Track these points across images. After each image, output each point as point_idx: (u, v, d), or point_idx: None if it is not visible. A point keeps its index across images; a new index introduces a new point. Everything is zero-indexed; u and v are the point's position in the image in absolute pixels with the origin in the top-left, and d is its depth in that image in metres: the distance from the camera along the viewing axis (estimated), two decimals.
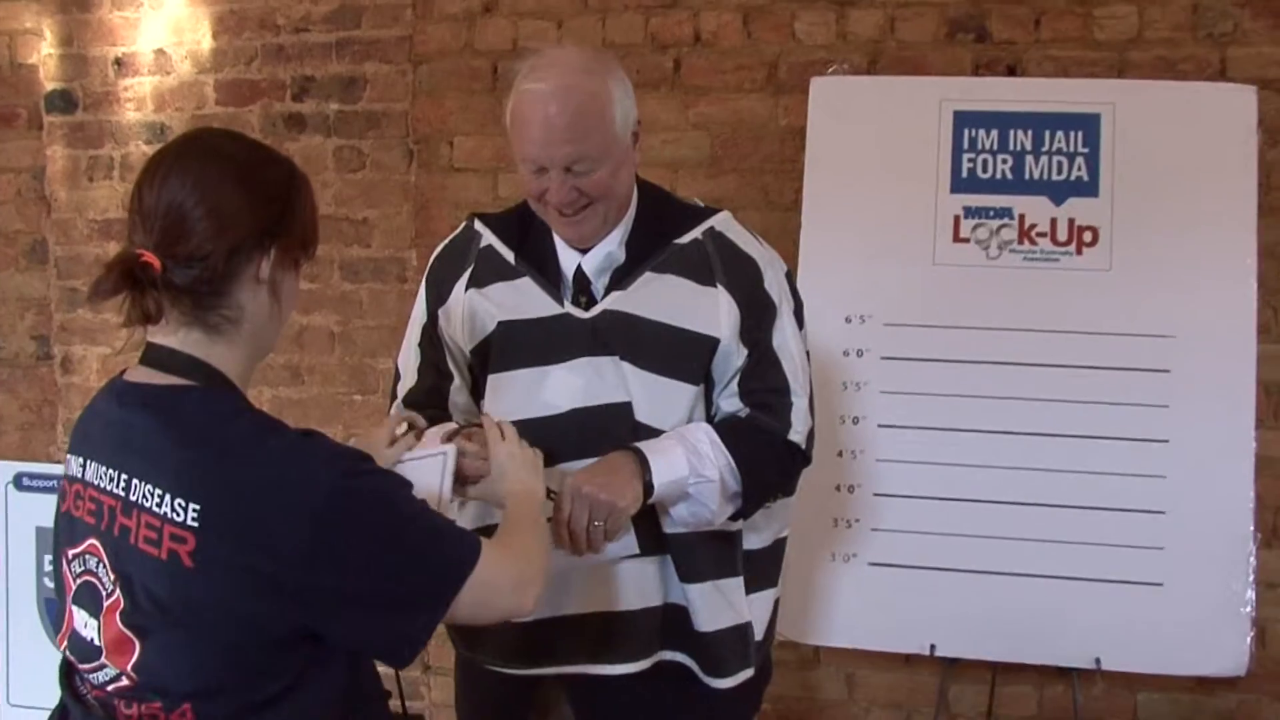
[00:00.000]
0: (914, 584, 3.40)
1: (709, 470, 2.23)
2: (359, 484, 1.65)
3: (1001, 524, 3.35)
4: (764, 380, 2.35)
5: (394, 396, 2.51)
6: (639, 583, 2.32)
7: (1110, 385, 3.33)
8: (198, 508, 1.61)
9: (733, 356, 2.33)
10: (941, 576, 3.38)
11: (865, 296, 3.47)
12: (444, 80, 4.17)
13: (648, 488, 2.19)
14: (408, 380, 2.48)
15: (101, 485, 1.72)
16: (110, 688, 1.72)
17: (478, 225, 2.48)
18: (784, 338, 2.37)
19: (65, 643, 1.78)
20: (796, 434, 2.36)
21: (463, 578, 1.72)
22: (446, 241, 2.53)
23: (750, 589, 2.42)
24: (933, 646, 3.40)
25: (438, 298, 2.45)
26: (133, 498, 1.67)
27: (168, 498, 1.63)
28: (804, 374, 2.39)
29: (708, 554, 2.34)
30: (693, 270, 2.35)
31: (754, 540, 2.44)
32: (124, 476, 1.69)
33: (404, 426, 2.23)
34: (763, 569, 2.47)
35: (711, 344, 2.31)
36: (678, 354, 2.31)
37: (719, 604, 2.35)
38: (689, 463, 2.22)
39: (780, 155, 3.91)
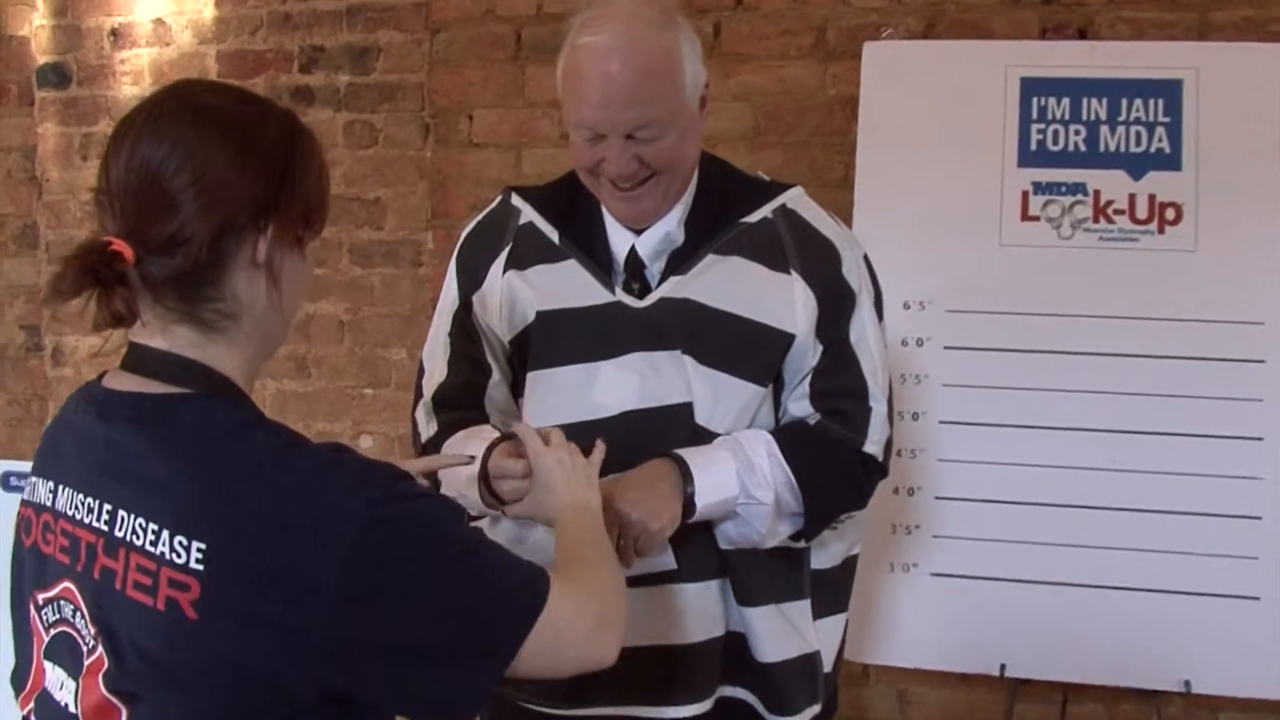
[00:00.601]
0: (981, 596, 3.22)
1: (762, 490, 2.04)
2: (401, 510, 1.37)
3: (1076, 531, 3.17)
4: (839, 381, 2.15)
5: (419, 395, 2.28)
6: (700, 610, 2.10)
7: (1197, 377, 3.16)
8: (203, 546, 1.32)
9: (807, 354, 2.13)
10: (1011, 588, 3.21)
11: (925, 281, 3.30)
12: (463, 49, 4.03)
13: (688, 505, 2.00)
14: (436, 375, 2.25)
15: (78, 517, 1.44)
16: None
17: (515, 200, 2.28)
18: (862, 332, 2.17)
19: (31, 704, 1.50)
20: (873, 444, 2.15)
21: (530, 621, 1.44)
22: (479, 217, 2.32)
23: (818, 613, 2.23)
24: (1003, 666, 3.20)
25: (471, 281, 2.24)
26: (119, 534, 1.38)
27: (165, 534, 1.34)
28: (883, 374, 2.18)
29: (770, 573, 2.14)
30: (764, 253, 2.14)
31: (822, 559, 2.24)
32: (107, 507, 1.40)
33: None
34: (831, 591, 2.28)
35: (786, 340, 2.11)
36: (747, 349, 2.11)
37: (783, 630, 2.15)
38: (740, 480, 2.03)
39: (829, 127, 3.73)
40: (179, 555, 1.33)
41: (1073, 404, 3.18)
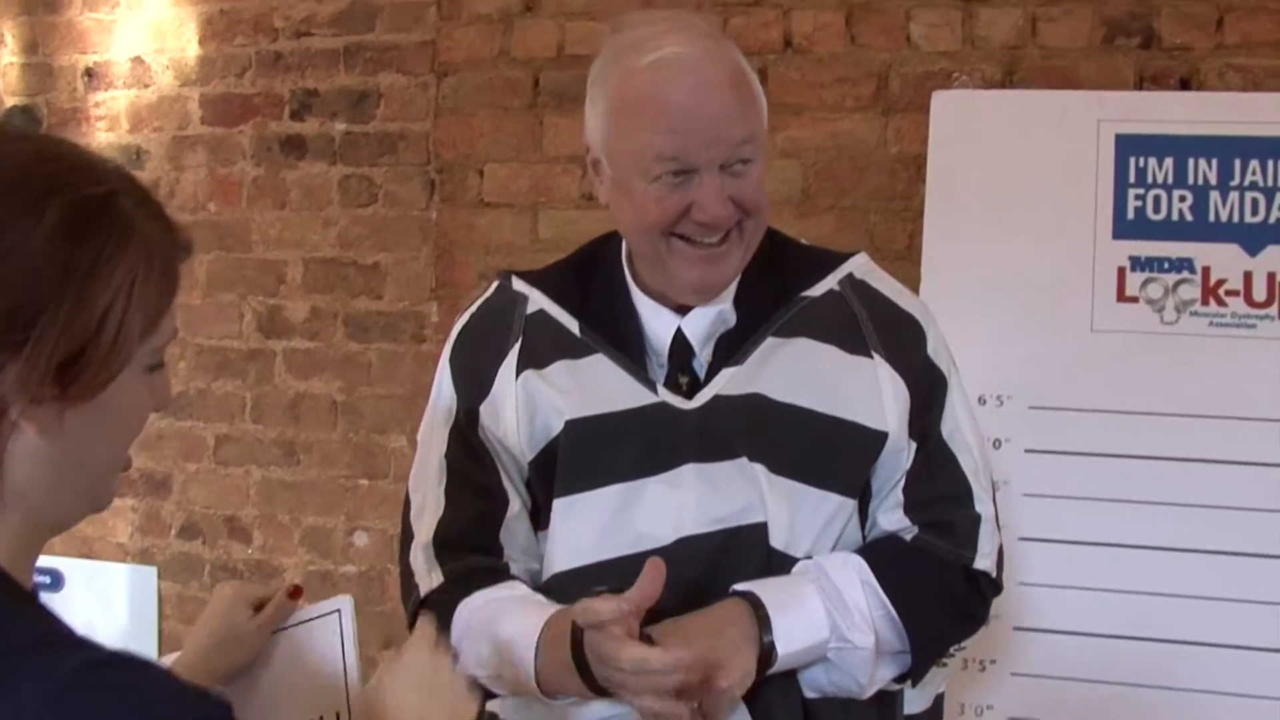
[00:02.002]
0: None
1: (859, 633, 1.81)
2: None
3: (1185, 670, 2.85)
4: (937, 486, 1.92)
5: (408, 535, 1.97)
6: None
7: None
8: None
9: (901, 454, 1.90)
10: None
11: (1004, 372, 3.03)
12: (473, 95, 3.89)
13: (765, 653, 1.75)
14: (431, 510, 1.95)
15: None
16: None
17: (518, 284, 2.02)
18: (957, 423, 1.96)
19: None
20: (984, 558, 1.93)
21: None
22: (473, 309, 2.06)
23: None
24: None
25: (475, 388, 1.96)
26: None
27: None
28: (985, 471, 1.98)
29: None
30: (836, 333, 1.92)
31: (915, 702, 2.03)
32: None
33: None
34: None
35: (878, 439, 1.88)
36: (830, 453, 1.88)
37: None
38: (830, 620, 1.80)
39: (891, 190, 3.54)
40: None
41: (1175, 520, 2.90)
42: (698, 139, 1.77)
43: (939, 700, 2.12)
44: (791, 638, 1.77)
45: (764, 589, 1.79)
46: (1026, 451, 2.98)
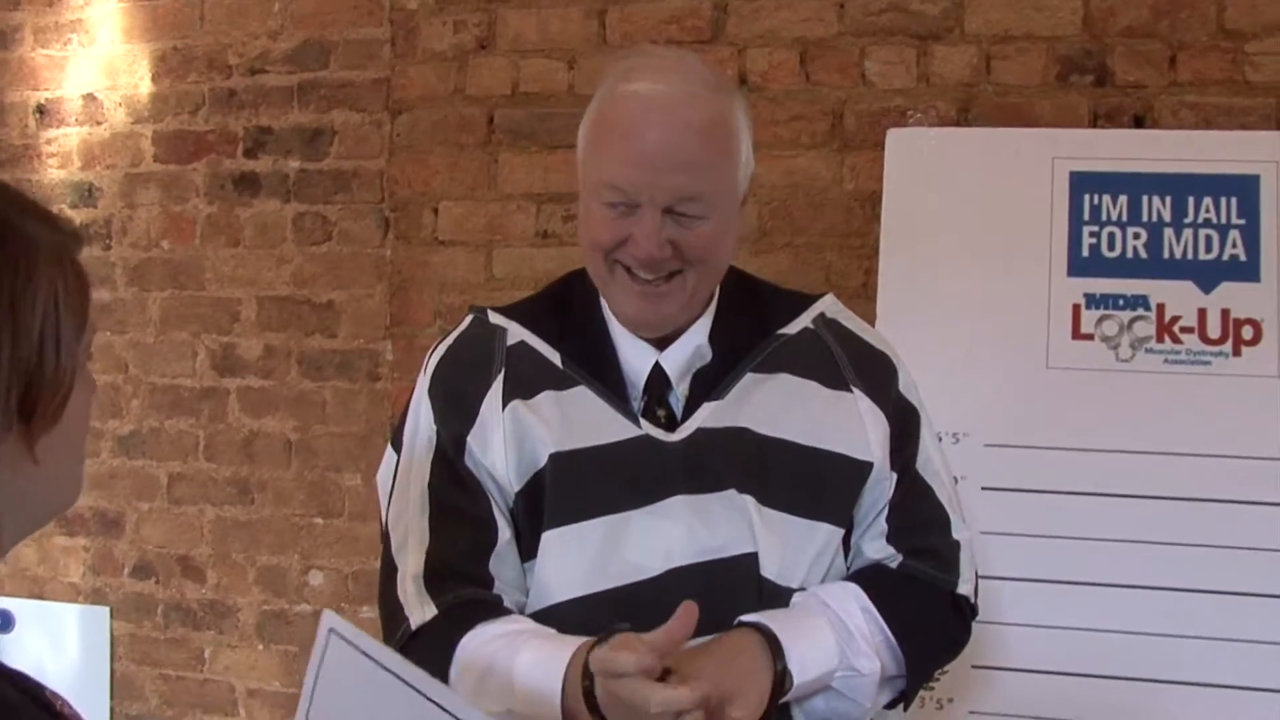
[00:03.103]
0: None
1: (864, 659, 1.82)
2: None
3: (1143, 706, 2.84)
4: (918, 514, 1.97)
5: (391, 569, 1.91)
6: None
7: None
8: None
9: (883, 484, 1.94)
10: None
11: (959, 409, 2.98)
12: (428, 132, 3.87)
13: (778, 682, 1.74)
14: (415, 542, 1.89)
15: None
16: None
17: (494, 318, 2.01)
18: (928, 455, 2.01)
19: None
20: (966, 584, 1.97)
21: None
22: (450, 340, 2.04)
23: None
24: None
25: (460, 416, 1.93)
26: None
27: None
28: (958, 500, 2.03)
29: None
30: (815, 369, 1.96)
31: None
32: None
33: None
34: None
35: (864, 469, 1.91)
36: (818, 484, 1.90)
37: None
38: (839, 649, 1.81)
39: (847, 228, 3.54)
40: None
41: (1131, 557, 2.88)
42: (643, 176, 1.78)
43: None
44: (805, 667, 1.77)
45: (773, 619, 1.79)
46: (983, 489, 2.96)
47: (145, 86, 4.09)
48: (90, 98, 4.16)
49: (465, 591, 1.85)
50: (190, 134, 4.04)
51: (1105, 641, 2.87)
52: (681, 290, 1.86)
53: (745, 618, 1.79)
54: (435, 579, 1.87)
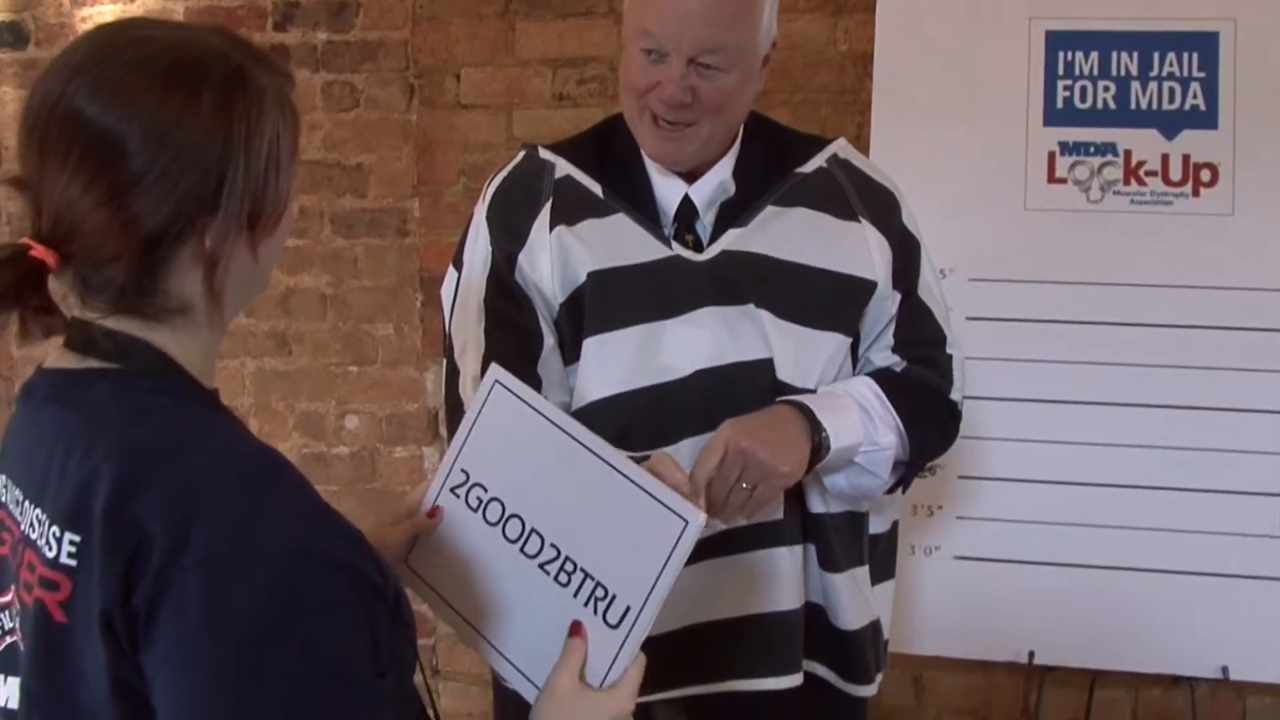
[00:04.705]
0: (1006, 580, 3.08)
1: (884, 435, 2.00)
2: (307, 586, 1.14)
3: (1105, 510, 3.03)
4: (919, 330, 2.14)
5: (454, 370, 2.09)
6: (792, 576, 2.04)
7: (1234, 349, 3.01)
8: (76, 539, 1.15)
9: (887, 302, 2.10)
10: (1038, 571, 3.07)
11: (946, 248, 3.00)
12: (449, 3, 3.84)
13: (815, 452, 1.92)
14: (473, 348, 2.07)
15: (12, 512, 1.27)
16: None
17: (544, 154, 2.15)
18: (927, 280, 2.18)
19: None
20: (957, 391, 2.16)
21: None
22: (505, 173, 2.18)
23: (874, 579, 2.19)
24: (1031, 654, 3.05)
25: (513, 238, 2.08)
26: (24, 527, 1.22)
27: (48, 525, 1.18)
28: (949, 324, 2.20)
29: (843, 539, 2.10)
30: (827, 203, 2.10)
31: (877, 523, 2.20)
32: (20, 497, 1.24)
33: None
34: (884, 557, 2.24)
35: (867, 288, 2.07)
36: (828, 300, 2.06)
37: (858, 597, 2.11)
38: (864, 426, 1.99)
39: (840, 85, 3.60)
40: (51, 548, 1.18)
41: (1103, 378, 3.06)
42: (671, 27, 1.91)
43: (895, 525, 2.27)
44: (838, 435, 1.93)
45: (808, 399, 1.96)
46: (968, 319, 3.03)
47: None
48: None
49: None
50: (220, 9, 3.95)
51: (1076, 453, 3.02)
52: (697, 136, 2.00)
53: (783, 399, 1.96)
54: None
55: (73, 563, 1.15)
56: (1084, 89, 3.15)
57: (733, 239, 2.05)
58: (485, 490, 1.60)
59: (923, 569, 3.11)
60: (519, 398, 1.61)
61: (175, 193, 1.19)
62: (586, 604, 1.48)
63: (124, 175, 1.18)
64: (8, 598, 1.28)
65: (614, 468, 1.50)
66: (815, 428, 1.92)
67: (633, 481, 1.48)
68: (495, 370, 1.66)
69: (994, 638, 3.10)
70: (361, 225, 3.97)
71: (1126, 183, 3.11)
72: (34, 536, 1.21)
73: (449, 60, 3.85)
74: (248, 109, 1.23)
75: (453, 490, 1.63)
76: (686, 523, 1.44)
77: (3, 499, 1.30)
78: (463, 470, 1.63)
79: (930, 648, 3.17)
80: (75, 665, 1.17)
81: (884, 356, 2.12)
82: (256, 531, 1.12)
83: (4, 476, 1.30)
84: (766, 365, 2.00)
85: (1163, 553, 3.00)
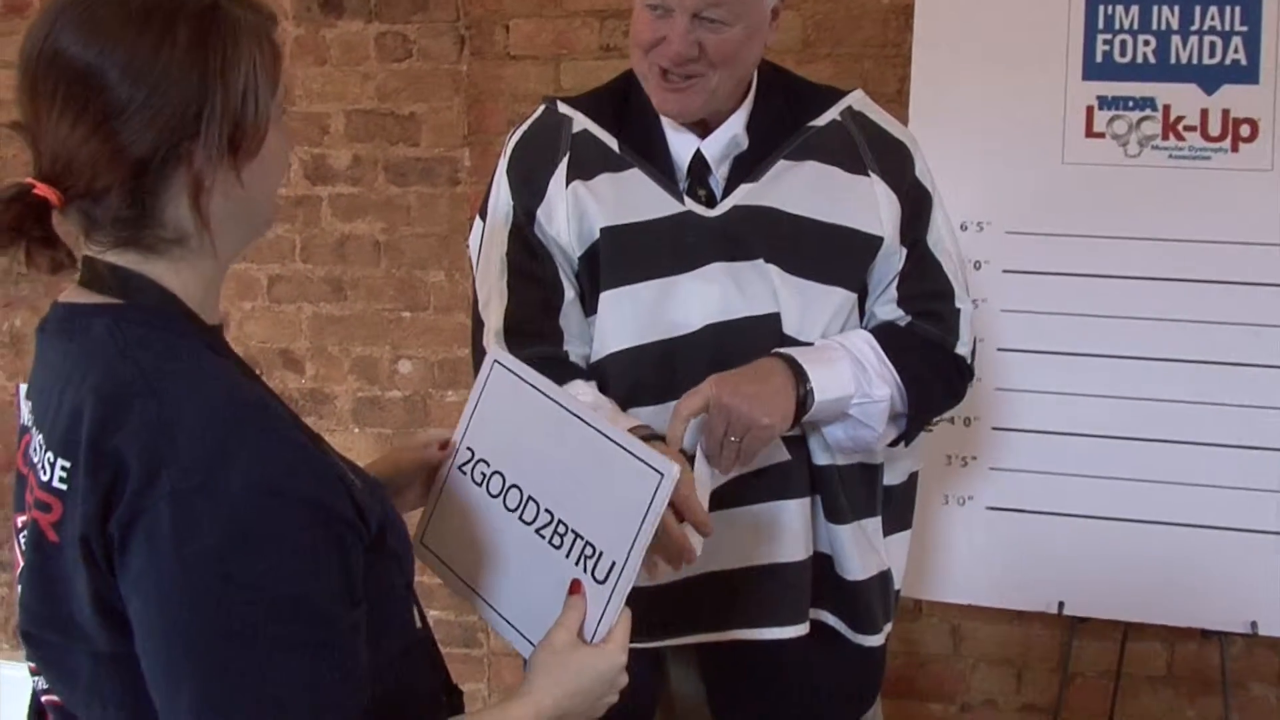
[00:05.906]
0: (1039, 531, 3.07)
1: (877, 388, 2.02)
2: (274, 530, 1.21)
3: (1141, 464, 3.02)
4: (925, 284, 2.15)
5: (479, 323, 2.14)
6: (799, 527, 2.07)
7: (1273, 304, 2.97)
8: (66, 465, 1.23)
9: (893, 257, 2.12)
10: (1071, 523, 3.05)
11: (983, 201, 3.13)
12: None
13: (801, 404, 1.94)
14: (496, 300, 2.12)
15: (34, 436, 1.37)
16: (44, 699, 1.39)
17: (563, 108, 2.17)
18: (939, 234, 2.18)
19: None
20: (963, 346, 2.17)
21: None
22: (525, 127, 2.21)
23: (887, 530, 2.22)
24: (1061, 604, 3.06)
25: (532, 193, 2.12)
26: (31, 453, 1.32)
27: (45, 451, 1.28)
28: (963, 275, 2.21)
29: (853, 490, 2.13)
30: (838, 156, 2.11)
31: (891, 475, 2.23)
32: (33, 423, 1.34)
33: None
34: (900, 508, 2.28)
35: (874, 243, 2.09)
36: (834, 255, 2.08)
37: (865, 548, 2.14)
38: (855, 378, 2.01)
39: (883, 38, 3.57)
40: (45, 472, 1.28)
41: (1138, 331, 3.03)
42: None
43: (914, 477, 2.32)
44: (824, 388, 1.96)
45: (796, 351, 1.99)
46: (1004, 272, 3.08)
47: None
48: None
49: (537, 349, 2.05)
50: None
51: (1113, 406, 3.01)
52: (703, 89, 2.01)
53: (774, 350, 1.98)
54: (513, 333, 2.08)
55: (63, 487, 1.24)
56: (1124, 43, 3.10)
57: (744, 193, 2.07)
58: (488, 465, 1.67)
59: (955, 519, 3.12)
60: (516, 375, 1.68)
61: (158, 120, 1.26)
62: (578, 563, 1.54)
63: (108, 107, 1.25)
64: (22, 519, 1.37)
65: (599, 431, 1.56)
66: (801, 379, 1.94)
67: (614, 441, 1.54)
68: (494, 351, 1.74)
69: (1025, 589, 3.11)
70: (414, 173, 3.99)
71: (1165, 137, 3.06)
72: (35, 460, 1.30)
73: (498, 11, 3.86)
74: (223, 39, 1.30)
75: (460, 468, 1.71)
76: (662, 475, 1.49)
77: (29, 424, 1.38)
78: (468, 449, 1.70)
79: (963, 595, 3.18)
80: (68, 584, 1.25)
81: (888, 310, 2.13)
82: (226, 468, 1.19)
83: (30, 403, 1.39)
84: (774, 320, 2.03)
85: (1194, 507, 2.99)
